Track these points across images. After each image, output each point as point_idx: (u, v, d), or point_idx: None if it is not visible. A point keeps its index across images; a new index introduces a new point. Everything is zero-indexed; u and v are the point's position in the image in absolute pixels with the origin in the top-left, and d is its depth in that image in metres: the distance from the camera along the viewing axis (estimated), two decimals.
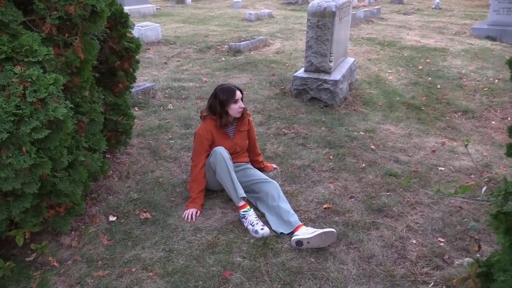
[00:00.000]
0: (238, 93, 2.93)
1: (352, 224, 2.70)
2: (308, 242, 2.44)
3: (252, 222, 2.62)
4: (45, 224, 2.33)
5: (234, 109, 2.92)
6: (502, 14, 9.35)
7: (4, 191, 1.94)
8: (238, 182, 2.77)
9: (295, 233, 2.52)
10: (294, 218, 2.62)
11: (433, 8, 14.50)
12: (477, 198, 1.78)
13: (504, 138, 4.31)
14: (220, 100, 2.89)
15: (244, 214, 2.68)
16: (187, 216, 2.74)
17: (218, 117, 2.92)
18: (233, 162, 2.89)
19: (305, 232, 2.48)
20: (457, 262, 1.64)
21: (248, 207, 2.74)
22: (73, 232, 2.56)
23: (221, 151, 2.80)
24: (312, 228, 2.53)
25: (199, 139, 2.93)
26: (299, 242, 2.45)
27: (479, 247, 1.76)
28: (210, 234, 2.59)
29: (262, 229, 2.58)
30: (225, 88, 2.93)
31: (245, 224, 2.65)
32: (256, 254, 2.41)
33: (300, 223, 2.59)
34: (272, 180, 2.93)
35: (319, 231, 2.45)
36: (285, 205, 2.72)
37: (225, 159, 2.78)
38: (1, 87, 1.88)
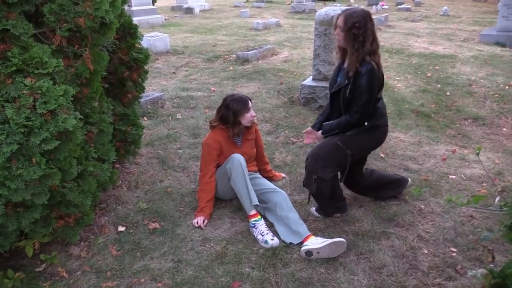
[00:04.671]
0: (249, 102, 2.95)
1: (362, 234, 2.67)
2: (318, 252, 2.41)
3: (262, 232, 2.61)
4: (54, 234, 2.34)
5: (247, 118, 2.94)
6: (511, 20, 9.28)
7: (14, 202, 1.95)
8: (253, 190, 2.77)
9: (305, 243, 2.49)
10: (303, 228, 2.60)
11: (441, 14, 14.44)
12: (490, 208, 1.74)
13: None
14: (233, 110, 2.90)
15: (255, 224, 2.67)
16: (196, 222, 2.75)
17: (231, 126, 2.93)
18: None
19: (314, 242, 2.46)
20: (470, 273, 1.59)
21: (259, 216, 2.73)
22: (82, 243, 2.56)
23: (238, 158, 2.81)
24: (321, 238, 2.51)
25: (208, 149, 2.93)
26: (309, 252, 2.42)
27: (493, 257, 1.72)
28: (219, 244, 2.58)
29: (272, 239, 2.56)
30: (237, 98, 2.94)
31: (254, 234, 2.64)
32: (265, 264, 2.39)
33: (310, 233, 2.57)
34: (281, 190, 2.91)
35: (329, 241, 2.42)
36: (294, 215, 2.70)
37: (242, 166, 2.78)
38: (11, 98, 1.91)
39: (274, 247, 2.53)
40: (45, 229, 2.19)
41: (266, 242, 2.55)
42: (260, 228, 2.64)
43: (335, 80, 2.67)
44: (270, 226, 2.73)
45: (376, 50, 2.52)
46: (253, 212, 2.73)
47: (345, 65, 2.58)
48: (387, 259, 2.45)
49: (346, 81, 2.52)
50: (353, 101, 2.53)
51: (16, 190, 1.91)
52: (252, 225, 2.68)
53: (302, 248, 2.46)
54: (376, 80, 2.50)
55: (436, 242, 2.62)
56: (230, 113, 2.90)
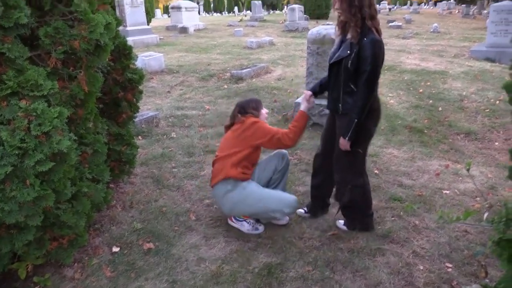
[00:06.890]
0: None
1: (358, 251, 2.67)
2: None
3: (254, 223, 2.91)
4: (48, 256, 2.32)
5: (263, 115, 3.04)
6: (500, 36, 9.49)
7: (8, 223, 1.94)
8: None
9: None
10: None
11: (431, 31, 14.73)
12: (482, 223, 1.75)
13: (508, 159, 4.29)
14: (253, 106, 2.98)
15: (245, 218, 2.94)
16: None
17: None
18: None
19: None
20: None
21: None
22: (76, 264, 2.54)
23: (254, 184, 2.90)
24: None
25: (260, 122, 2.93)
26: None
27: (486, 273, 1.73)
28: (214, 263, 2.56)
29: (260, 225, 2.92)
30: (249, 99, 3.08)
31: (245, 225, 2.89)
32: (261, 283, 2.38)
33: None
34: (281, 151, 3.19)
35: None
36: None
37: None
38: (6, 121, 1.92)
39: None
40: (38, 251, 2.18)
41: (257, 229, 2.89)
42: (251, 220, 2.92)
43: (336, 52, 2.62)
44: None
45: (375, 15, 2.48)
46: None
47: (348, 36, 2.54)
48: (382, 276, 2.45)
49: (349, 52, 2.48)
50: (356, 74, 2.47)
51: (10, 212, 1.91)
52: (241, 219, 2.93)
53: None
54: (380, 50, 2.45)
55: (432, 258, 2.62)
56: (252, 109, 2.96)
